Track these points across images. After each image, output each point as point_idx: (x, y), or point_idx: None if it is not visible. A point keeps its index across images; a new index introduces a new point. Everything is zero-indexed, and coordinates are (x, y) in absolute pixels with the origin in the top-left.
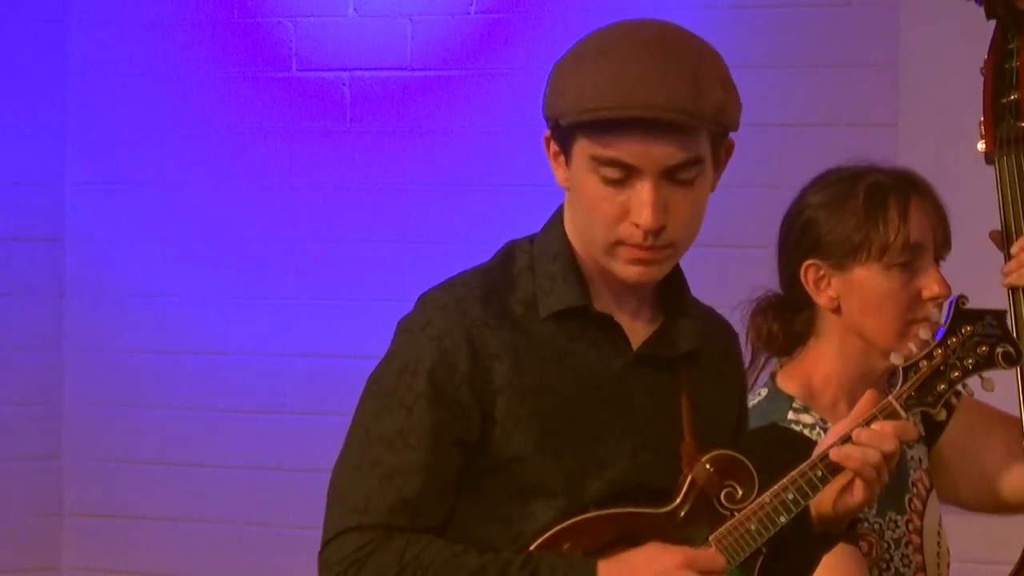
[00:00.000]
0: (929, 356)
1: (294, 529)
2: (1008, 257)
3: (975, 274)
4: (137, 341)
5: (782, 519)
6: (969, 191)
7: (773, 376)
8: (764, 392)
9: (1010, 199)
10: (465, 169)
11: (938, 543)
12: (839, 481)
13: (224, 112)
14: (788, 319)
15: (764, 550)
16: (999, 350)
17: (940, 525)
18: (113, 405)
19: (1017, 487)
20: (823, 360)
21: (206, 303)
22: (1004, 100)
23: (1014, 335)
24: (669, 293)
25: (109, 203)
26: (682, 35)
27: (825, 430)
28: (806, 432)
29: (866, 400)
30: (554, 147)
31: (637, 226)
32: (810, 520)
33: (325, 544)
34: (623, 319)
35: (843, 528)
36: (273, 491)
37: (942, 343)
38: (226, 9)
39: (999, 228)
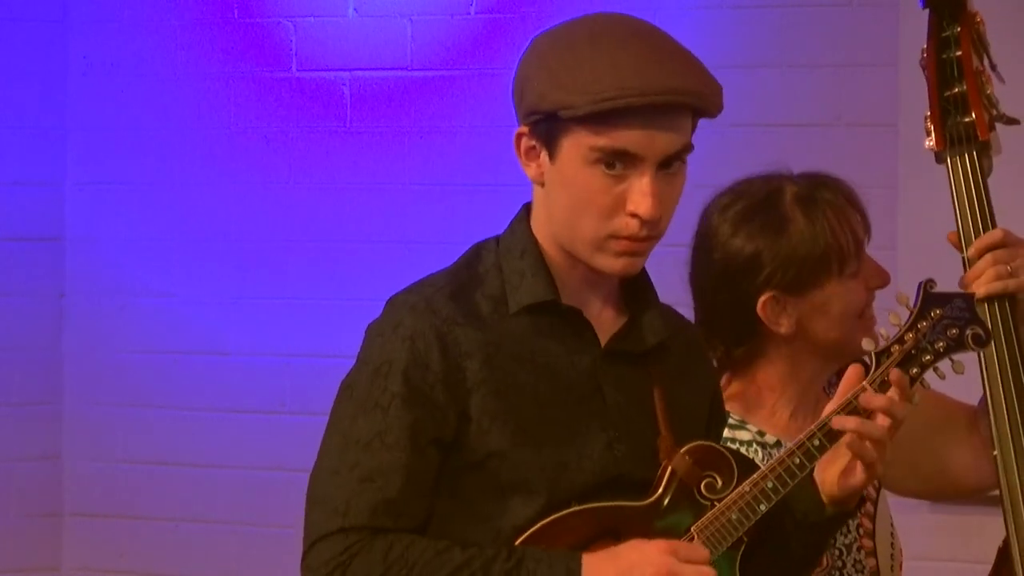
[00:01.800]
0: (900, 340)
1: (294, 529)
2: (966, 264)
3: None
4: (137, 341)
5: (762, 507)
6: None
7: None
8: None
9: (965, 201)
10: (465, 169)
11: (891, 544)
12: (830, 463)
13: (224, 112)
14: (727, 350)
15: (746, 539)
16: (969, 332)
17: (892, 526)
18: (113, 405)
19: (965, 471)
20: (767, 376)
21: (206, 303)
22: (947, 93)
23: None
24: (633, 287)
25: (109, 203)
26: (648, 24)
27: (763, 444)
28: (742, 449)
29: (847, 380)
30: (529, 142)
31: (635, 217)
32: (821, 502)
33: (308, 549)
34: (591, 313)
35: (852, 506)
36: (273, 491)
37: (912, 327)
38: (226, 9)
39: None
